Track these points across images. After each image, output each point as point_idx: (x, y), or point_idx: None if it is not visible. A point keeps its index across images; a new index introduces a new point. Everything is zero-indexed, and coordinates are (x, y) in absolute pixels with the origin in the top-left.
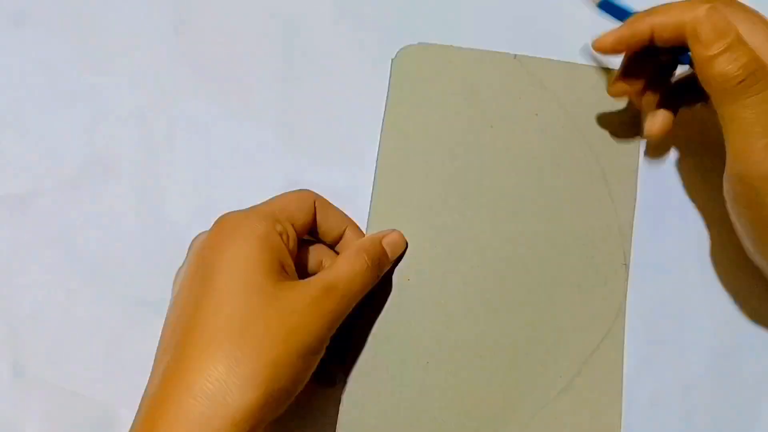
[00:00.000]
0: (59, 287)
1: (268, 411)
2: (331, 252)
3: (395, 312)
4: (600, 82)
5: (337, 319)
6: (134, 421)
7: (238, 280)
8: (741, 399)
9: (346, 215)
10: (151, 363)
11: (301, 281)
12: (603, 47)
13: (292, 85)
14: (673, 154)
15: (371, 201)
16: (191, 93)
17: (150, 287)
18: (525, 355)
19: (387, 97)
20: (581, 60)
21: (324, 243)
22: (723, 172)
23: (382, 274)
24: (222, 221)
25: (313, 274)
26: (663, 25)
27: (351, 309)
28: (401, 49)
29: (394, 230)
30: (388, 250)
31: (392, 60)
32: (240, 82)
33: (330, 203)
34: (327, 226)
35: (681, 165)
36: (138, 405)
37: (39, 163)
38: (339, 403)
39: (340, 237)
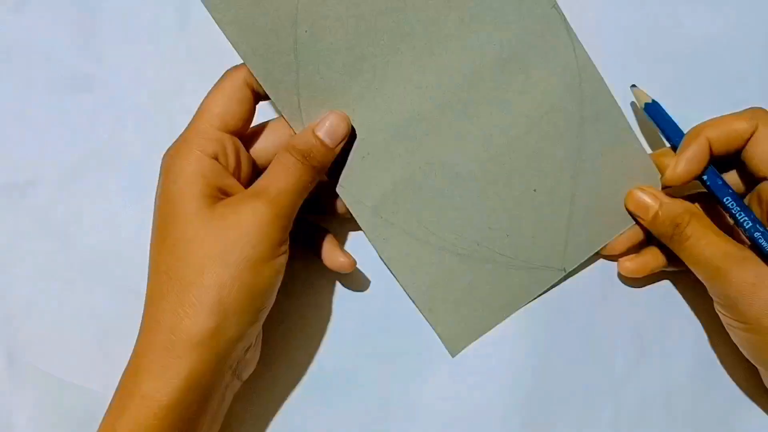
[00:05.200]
0: (55, 277)
1: (229, 328)
2: None
3: None
4: None
5: (280, 221)
6: None
7: (174, 216)
8: (721, 406)
9: None
10: None
11: (235, 195)
12: (677, 178)
13: None
14: None
15: None
16: (193, 86)
17: (145, 279)
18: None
19: None
20: None
21: None
22: None
23: (322, 165)
24: (162, 163)
25: None
26: (718, 138)
27: (297, 205)
28: None
29: (331, 113)
30: (325, 138)
31: None
32: None
33: None
34: None
35: None
36: None
37: (39, 154)
38: None
39: None
